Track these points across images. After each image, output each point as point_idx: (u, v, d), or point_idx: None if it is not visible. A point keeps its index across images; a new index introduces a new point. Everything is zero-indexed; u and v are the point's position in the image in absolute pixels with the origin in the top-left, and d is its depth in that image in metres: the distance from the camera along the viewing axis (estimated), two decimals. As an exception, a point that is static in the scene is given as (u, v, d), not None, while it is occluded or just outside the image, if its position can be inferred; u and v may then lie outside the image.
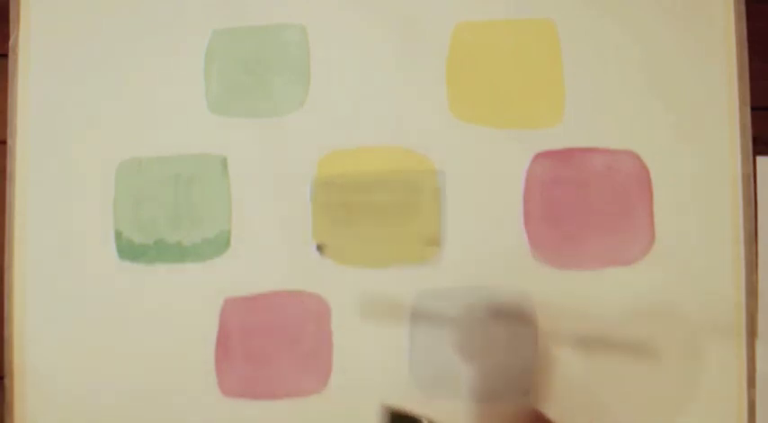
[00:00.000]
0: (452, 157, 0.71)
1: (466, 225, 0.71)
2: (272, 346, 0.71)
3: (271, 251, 0.71)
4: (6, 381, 0.71)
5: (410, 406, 0.67)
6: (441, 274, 0.70)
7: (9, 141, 0.72)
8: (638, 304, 0.70)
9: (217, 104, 0.72)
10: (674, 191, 0.71)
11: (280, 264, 0.71)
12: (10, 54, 0.73)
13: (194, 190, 0.72)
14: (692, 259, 0.70)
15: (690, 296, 0.70)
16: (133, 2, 0.73)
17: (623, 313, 0.70)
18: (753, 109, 0.71)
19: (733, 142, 0.71)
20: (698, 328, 0.69)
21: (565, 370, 0.69)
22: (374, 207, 0.71)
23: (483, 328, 0.70)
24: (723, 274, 0.70)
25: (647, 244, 0.70)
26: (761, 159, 0.71)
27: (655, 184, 0.71)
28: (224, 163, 0.72)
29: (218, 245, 0.71)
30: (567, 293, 0.70)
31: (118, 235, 0.72)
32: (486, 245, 0.70)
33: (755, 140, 0.71)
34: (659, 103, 0.71)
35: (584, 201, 0.71)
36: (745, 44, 0.71)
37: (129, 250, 0.71)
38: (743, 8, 0.71)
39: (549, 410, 0.68)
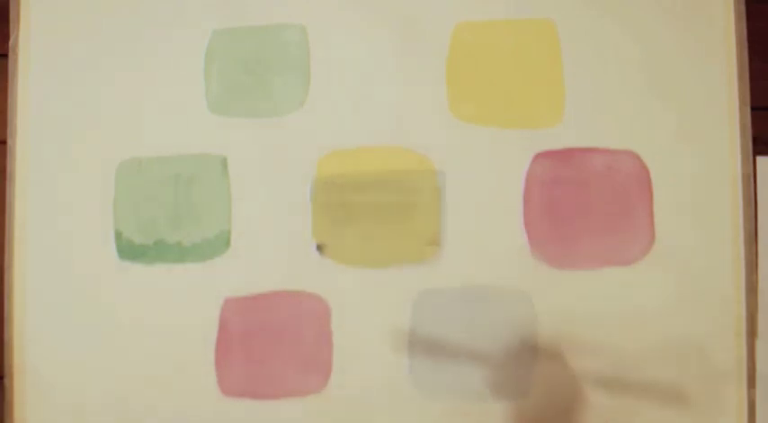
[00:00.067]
0: (452, 157, 0.71)
1: (466, 225, 0.71)
2: (272, 346, 0.71)
3: (271, 251, 0.71)
4: (6, 381, 0.71)
5: (410, 406, 0.67)
6: (441, 274, 0.70)
7: (9, 141, 0.72)
8: (638, 305, 0.70)
9: (217, 104, 0.72)
10: (674, 191, 0.71)
11: (280, 264, 0.71)
12: (10, 54, 0.73)
13: (194, 190, 0.72)
14: (692, 259, 0.70)
15: (690, 296, 0.70)
16: (133, 2, 0.73)
17: (623, 316, 0.70)
18: (753, 109, 0.71)
19: (733, 142, 0.71)
20: (698, 329, 0.70)
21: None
22: (374, 207, 0.71)
23: (521, 367, 0.69)
24: (723, 274, 0.70)
25: (647, 244, 0.70)
26: (761, 159, 0.71)
27: (655, 184, 0.71)
28: (224, 163, 0.72)
29: (218, 245, 0.71)
30: (567, 293, 0.70)
31: (118, 235, 0.72)
32: (486, 245, 0.70)
33: (755, 140, 0.71)
34: (659, 103, 0.71)
35: (584, 201, 0.71)
36: (745, 44, 0.71)
37: (129, 250, 0.71)
38: (743, 8, 0.71)
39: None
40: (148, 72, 0.73)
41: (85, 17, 0.73)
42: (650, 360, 0.69)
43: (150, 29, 0.73)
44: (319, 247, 0.71)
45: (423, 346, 0.70)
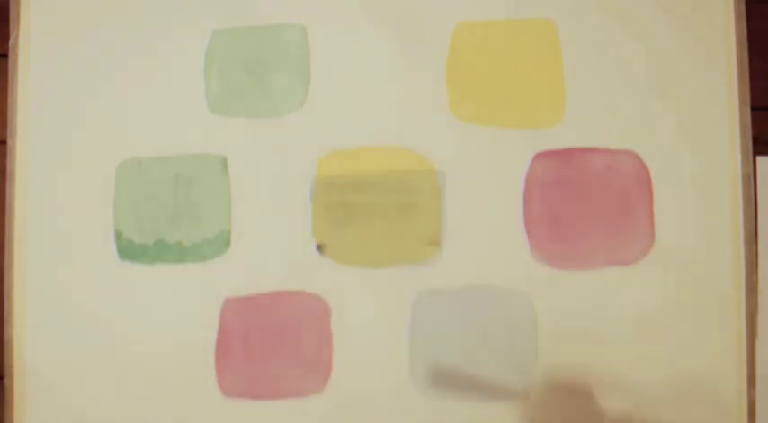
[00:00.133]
0: (452, 157, 0.71)
1: (466, 225, 0.71)
2: (272, 346, 0.71)
3: (271, 251, 0.71)
4: (6, 381, 0.71)
5: (410, 406, 0.67)
6: (440, 274, 0.70)
7: (9, 141, 0.72)
8: (638, 305, 0.70)
9: (217, 104, 0.72)
10: (674, 191, 0.71)
11: (280, 264, 0.71)
12: (10, 54, 0.73)
13: (194, 190, 0.72)
14: (691, 259, 0.70)
15: (690, 296, 0.70)
16: (133, 2, 0.73)
17: (623, 316, 0.70)
18: (753, 109, 0.71)
19: (733, 142, 0.71)
20: (697, 329, 0.70)
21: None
22: (374, 207, 0.71)
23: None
24: (723, 274, 0.70)
25: (647, 244, 0.70)
26: (761, 159, 0.71)
27: (655, 184, 0.71)
28: (224, 163, 0.72)
29: (218, 245, 0.71)
30: (567, 293, 0.70)
31: (118, 235, 0.72)
32: (486, 245, 0.70)
33: (755, 140, 0.71)
34: (659, 103, 0.71)
35: (584, 201, 0.71)
36: (745, 44, 0.71)
37: (129, 250, 0.71)
38: (743, 8, 0.71)
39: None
40: (148, 72, 0.72)
41: (85, 17, 0.73)
42: (650, 360, 0.69)
43: (150, 29, 0.73)
44: (319, 247, 0.71)
45: (423, 346, 0.70)
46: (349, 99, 0.72)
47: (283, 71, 0.72)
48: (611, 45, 0.71)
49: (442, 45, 0.72)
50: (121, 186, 0.72)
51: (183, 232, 0.71)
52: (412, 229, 0.71)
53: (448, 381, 0.70)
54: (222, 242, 0.71)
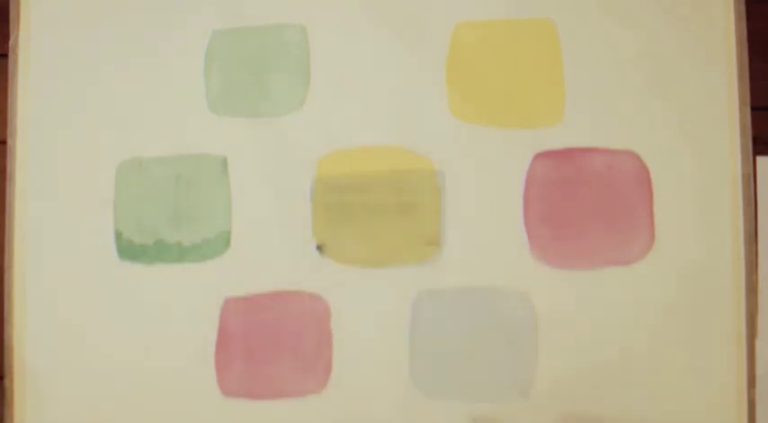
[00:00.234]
0: (452, 157, 0.71)
1: (466, 225, 0.71)
2: (272, 346, 0.71)
3: (271, 251, 0.71)
4: (6, 381, 0.71)
5: (410, 406, 0.67)
6: (440, 274, 0.70)
7: (9, 141, 0.72)
8: (638, 305, 0.70)
9: (217, 104, 0.72)
10: (674, 191, 0.71)
11: (280, 264, 0.71)
12: (10, 54, 0.73)
13: (194, 190, 0.72)
14: (691, 259, 0.70)
15: (690, 296, 0.70)
16: (133, 2, 0.73)
17: (623, 316, 0.70)
18: (753, 109, 0.71)
19: (733, 142, 0.71)
20: (697, 329, 0.70)
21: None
22: (374, 207, 0.71)
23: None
24: (723, 274, 0.70)
25: (647, 244, 0.70)
26: (761, 159, 0.71)
27: (655, 184, 0.71)
28: (224, 163, 0.72)
29: (218, 245, 0.71)
30: (567, 293, 0.70)
31: (118, 235, 0.71)
32: (486, 245, 0.70)
33: (755, 140, 0.71)
34: (659, 103, 0.71)
35: (584, 201, 0.71)
36: (745, 44, 0.71)
37: (129, 250, 0.71)
38: (743, 8, 0.71)
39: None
40: (148, 72, 0.73)
41: (85, 17, 0.73)
42: (650, 359, 0.69)
43: (150, 29, 0.73)
44: (319, 247, 0.71)
45: (423, 346, 0.70)
46: (349, 99, 0.72)
47: (283, 71, 0.72)
48: (611, 45, 0.71)
49: (441, 45, 0.72)
50: (121, 186, 0.72)
51: (183, 232, 0.71)
52: (412, 229, 0.71)
53: (448, 381, 0.70)
54: (222, 242, 0.71)
